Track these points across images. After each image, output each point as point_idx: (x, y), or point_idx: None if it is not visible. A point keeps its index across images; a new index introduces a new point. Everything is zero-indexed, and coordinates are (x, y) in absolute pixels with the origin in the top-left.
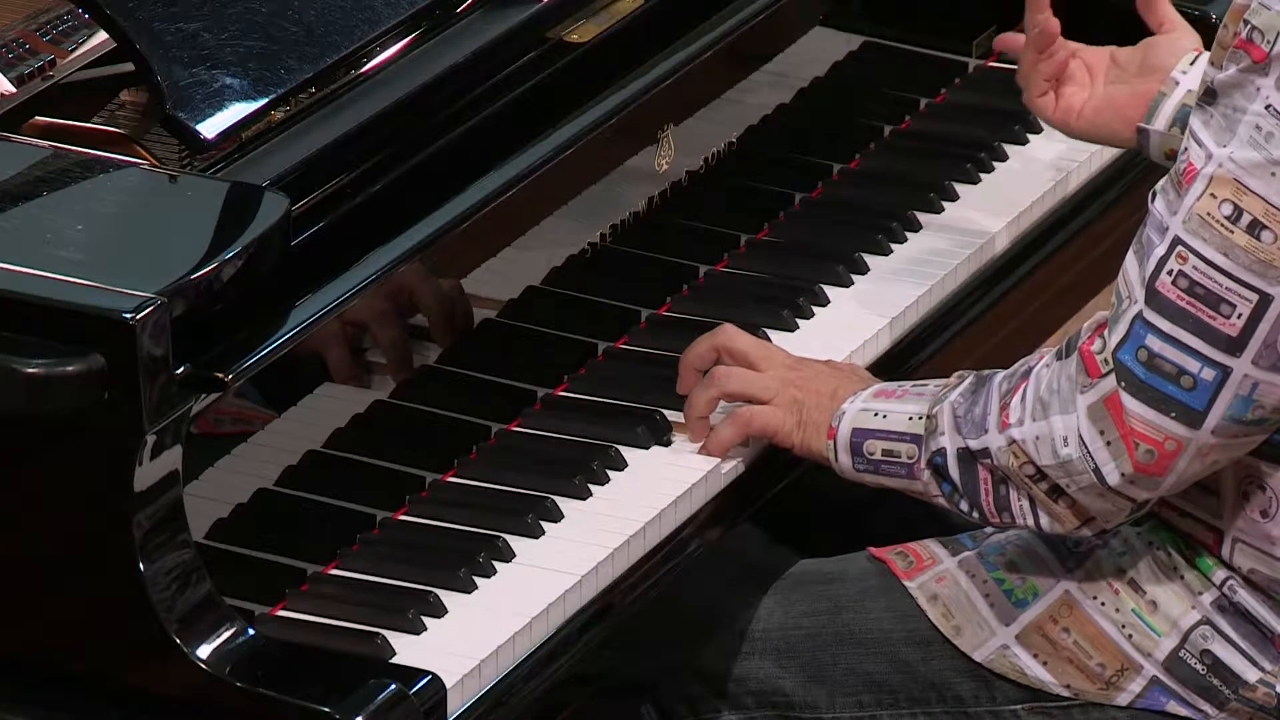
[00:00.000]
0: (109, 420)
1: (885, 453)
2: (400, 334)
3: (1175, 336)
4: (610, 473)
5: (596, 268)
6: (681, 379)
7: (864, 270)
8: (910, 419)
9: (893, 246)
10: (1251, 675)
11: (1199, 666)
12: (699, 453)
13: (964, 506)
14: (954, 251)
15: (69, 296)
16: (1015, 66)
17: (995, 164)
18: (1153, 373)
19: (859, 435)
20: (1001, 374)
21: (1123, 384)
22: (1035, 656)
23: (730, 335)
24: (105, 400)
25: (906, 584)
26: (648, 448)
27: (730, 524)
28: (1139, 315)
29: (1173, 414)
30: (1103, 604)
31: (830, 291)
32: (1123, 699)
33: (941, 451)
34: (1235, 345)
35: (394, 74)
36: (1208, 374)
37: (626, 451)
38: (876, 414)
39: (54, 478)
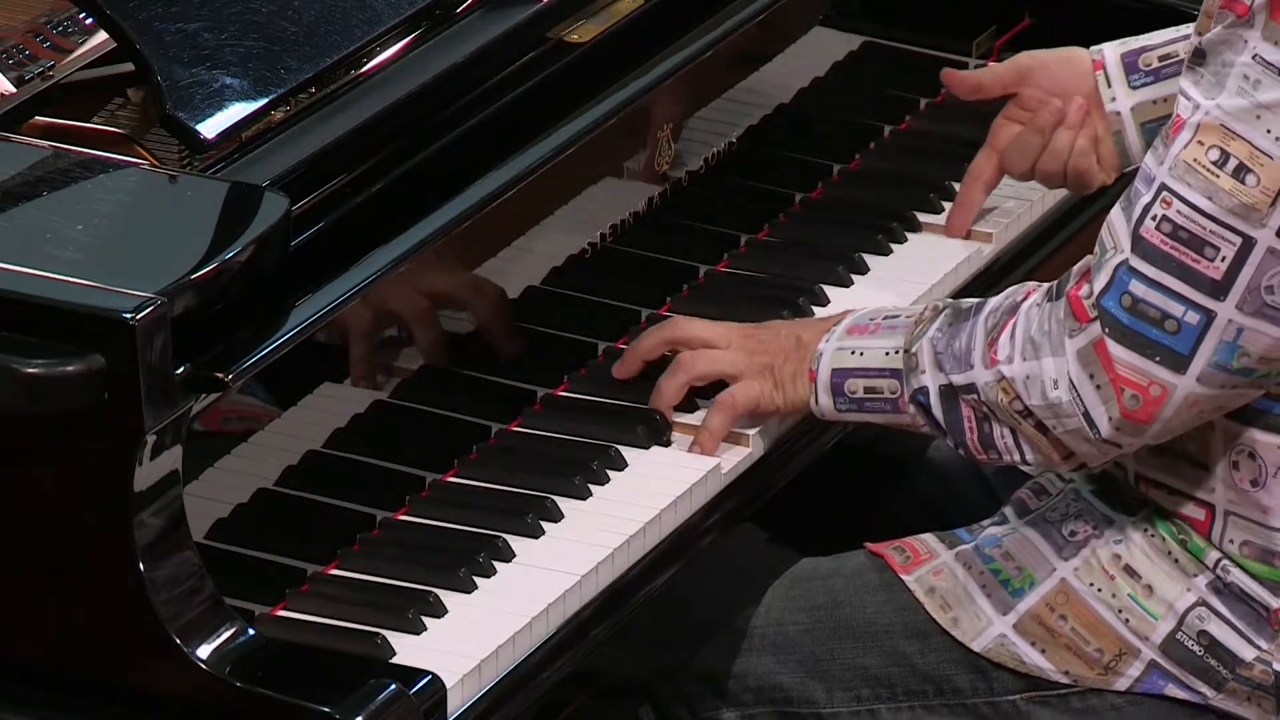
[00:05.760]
0: (109, 420)
1: (868, 390)
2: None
3: (1159, 281)
4: (610, 473)
5: (596, 268)
6: (624, 365)
7: (864, 270)
8: (887, 354)
9: (893, 246)
10: (1248, 654)
11: (1196, 648)
12: (694, 449)
13: (950, 443)
14: (954, 251)
15: (69, 296)
16: None
17: None
18: (1137, 318)
19: (839, 375)
20: (987, 307)
21: (1107, 330)
22: (1033, 645)
23: (683, 326)
24: (105, 400)
25: (904, 577)
26: (648, 448)
27: (729, 524)
28: (1124, 262)
29: (1157, 358)
30: (1099, 590)
31: (830, 291)
32: (1121, 684)
33: (924, 390)
34: (1219, 289)
35: (394, 74)
36: (1192, 317)
37: (626, 451)
38: (854, 352)
39: (54, 478)
